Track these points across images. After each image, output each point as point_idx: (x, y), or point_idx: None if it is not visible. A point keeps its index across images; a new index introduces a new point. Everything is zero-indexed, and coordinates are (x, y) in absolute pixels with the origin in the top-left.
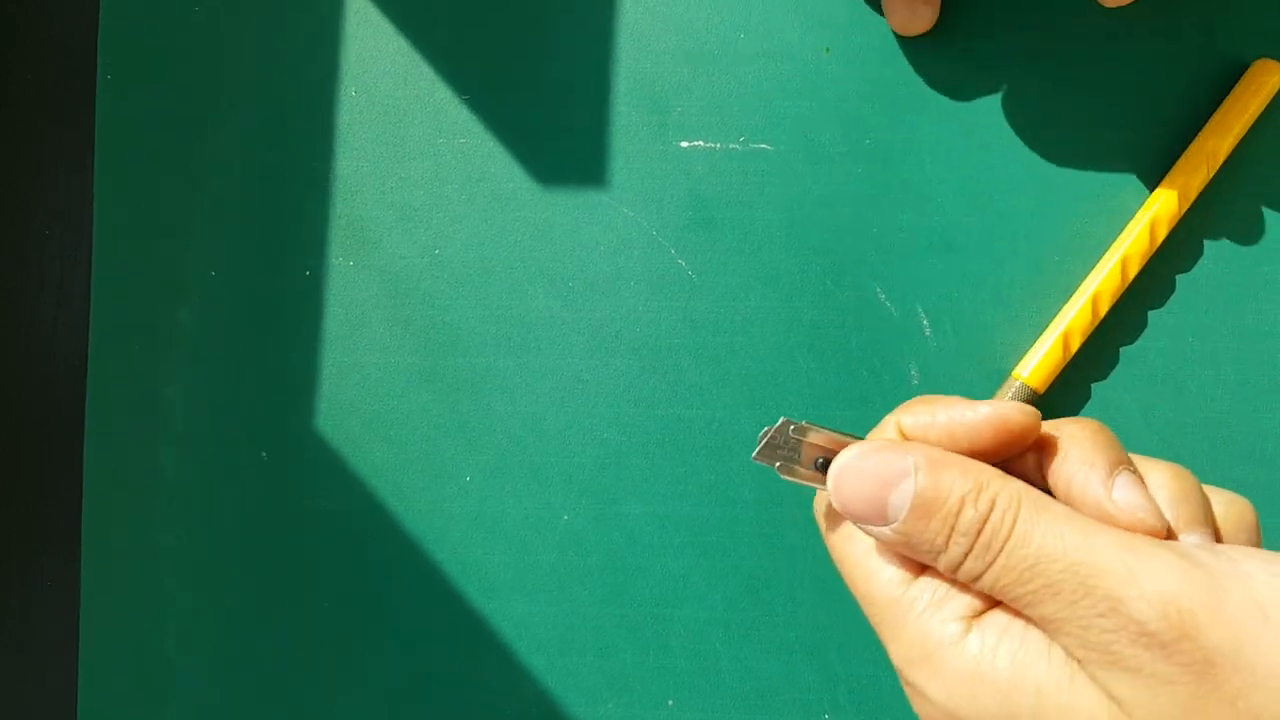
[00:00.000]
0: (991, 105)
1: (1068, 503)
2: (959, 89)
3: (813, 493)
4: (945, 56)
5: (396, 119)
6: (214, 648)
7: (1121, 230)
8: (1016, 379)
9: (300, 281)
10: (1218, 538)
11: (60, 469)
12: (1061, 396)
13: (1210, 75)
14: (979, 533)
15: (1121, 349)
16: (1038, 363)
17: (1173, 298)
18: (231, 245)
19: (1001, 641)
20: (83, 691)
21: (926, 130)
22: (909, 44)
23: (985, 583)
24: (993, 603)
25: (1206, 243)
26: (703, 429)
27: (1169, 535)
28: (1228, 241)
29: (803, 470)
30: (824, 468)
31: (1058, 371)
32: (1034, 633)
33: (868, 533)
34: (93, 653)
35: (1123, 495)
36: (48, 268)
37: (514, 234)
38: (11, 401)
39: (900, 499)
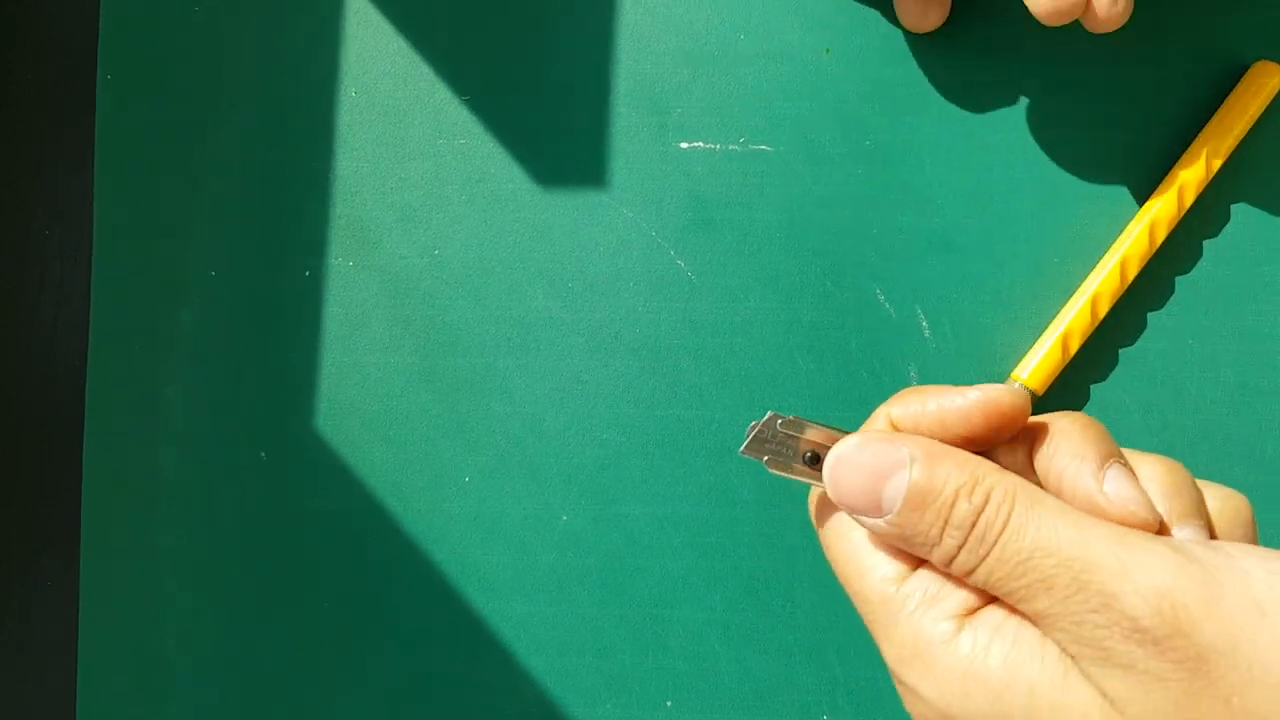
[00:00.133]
0: (991, 106)
1: (1059, 497)
2: (959, 90)
3: (806, 487)
4: (945, 58)
5: (396, 119)
6: (214, 648)
7: (1121, 232)
8: (1016, 380)
9: (300, 282)
10: (1212, 533)
11: (60, 469)
12: (1061, 398)
13: (1210, 76)
14: (973, 526)
15: (1121, 350)
16: (1037, 364)
17: (1172, 299)
18: (231, 245)
19: (994, 640)
20: (82, 691)
21: (926, 131)
22: (909, 45)
23: (979, 577)
24: (986, 600)
25: (1206, 244)
26: (702, 430)
27: (1161, 528)
28: (1227, 243)
29: (791, 464)
30: (812, 462)
31: (1057, 373)
32: (1027, 631)
33: (863, 524)
34: (92, 653)
35: (1114, 488)
36: (48, 268)
37: (514, 235)
38: (11, 401)
39: (894, 491)
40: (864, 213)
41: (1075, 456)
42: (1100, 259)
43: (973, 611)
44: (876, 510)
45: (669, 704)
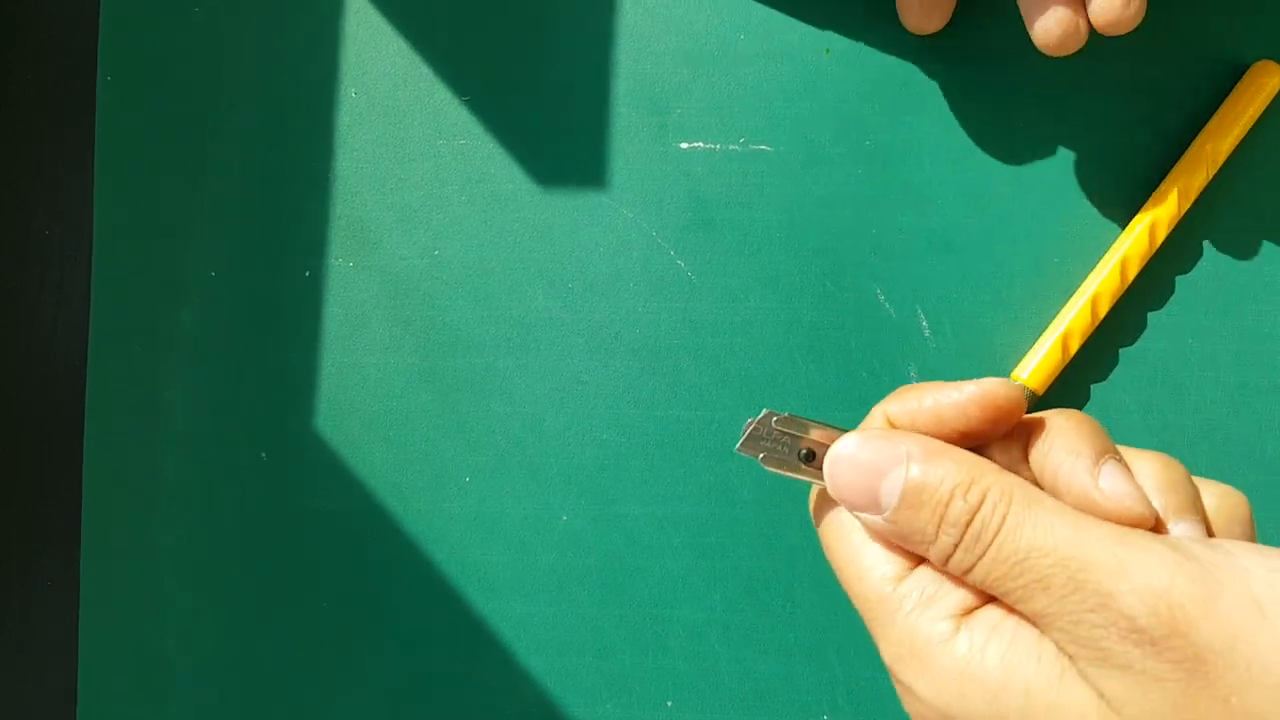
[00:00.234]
0: (991, 106)
1: (1054, 494)
2: (959, 90)
3: (808, 487)
4: (945, 58)
5: (396, 120)
6: (214, 648)
7: (1121, 231)
8: (1016, 380)
9: (300, 282)
10: (1210, 531)
11: (60, 469)
12: (1061, 398)
13: (1210, 76)
14: (968, 524)
15: (1121, 350)
16: (1037, 364)
17: (1172, 299)
18: (231, 246)
19: (990, 640)
20: (82, 691)
21: (926, 131)
22: (909, 45)
23: (976, 576)
24: (984, 600)
25: (1206, 244)
26: (702, 430)
27: (1157, 524)
28: (1227, 243)
29: (786, 461)
30: (808, 459)
31: (1057, 373)
32: (1024, 631)
33: (862, 521)
34: (92, 653)
35: (1109, 483)
36: (48, 268)
37: (513, 235)
38: (11, 401)
39: (891, 488)
40: (864, 213)
41: (1070, 453)
42: (1100, 259)
43: (970, 611)
44: (874, 507)
45: (669, 704)
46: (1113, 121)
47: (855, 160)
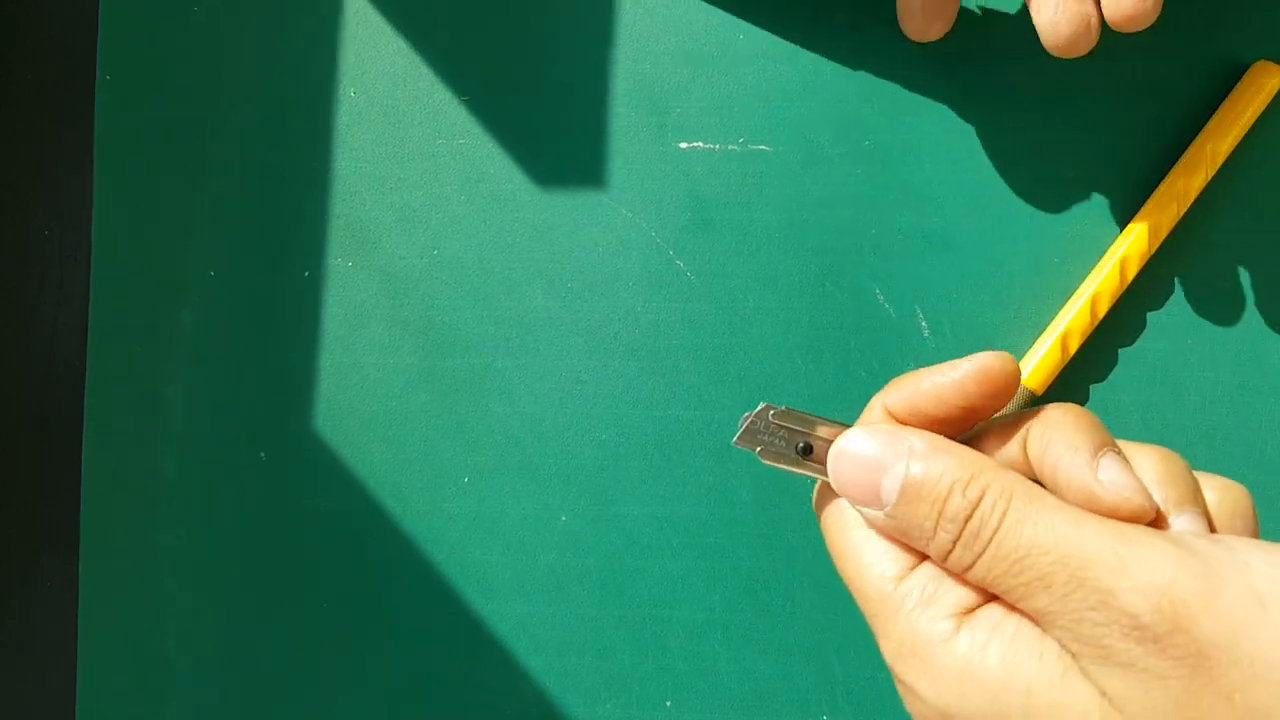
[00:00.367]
0: (990, 106)
1: (1054, 490)
2: (958, 90)
3: (806, 483)
4: (945, 58)
5: (395, 120)
6: (213, 648)
7: (1120, 231)
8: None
9: (299, 282)
10: (1211, 525)
11: (60, 469)
12: (1060, 398)
13: (1210, 77)
14: (967, 520)
15: (1120, 350)
16: (1036, 364)
17: (1171, 299)
18: (231, 245)
19: (992, 639)
20: (82, 691)
21: (925, 131)
22: (908, 45)
23: (977, 573)
24: (986, 599)
25: (1206, 244)
26: (701, 430)
27: (1158, 516)
28: (1227, 243)
29: (783, 455)
30: (805, 453)
31: (1056, 372)
32: (1026, 630)
33: (863, 515)
34: (92, 653)
35: (1109, 476)
36: (48, 268)
37: (513, 235)
38: (11, 401)
39: (892, 483)
40: (863, 213)
41: (1069, 447)
42: (1100, 259)
43: (971, 610)
44: (876, 502)
45: (668, 704)
46: (1112, 121)
47: (854, 160)
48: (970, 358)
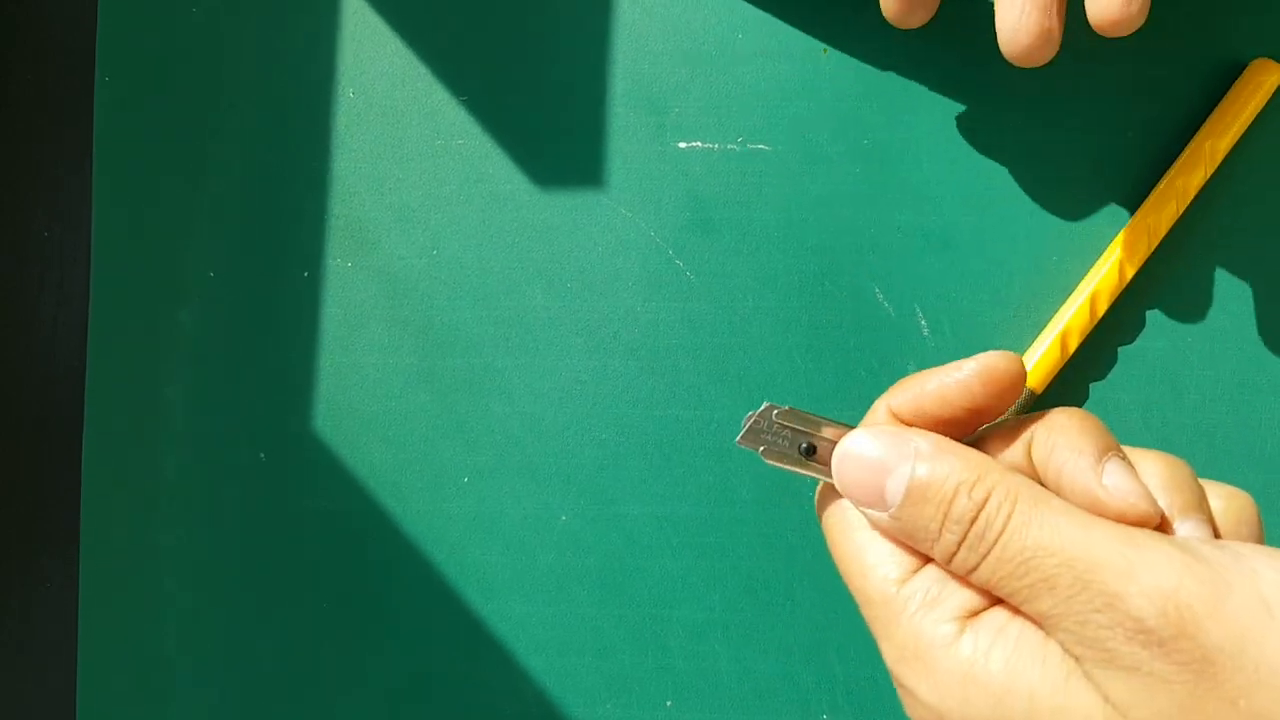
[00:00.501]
0: (989, 105)
1: (1059, 493)
2: (957, 89)
3: (806, 483)
4: (943, 56)
5: (395, 120)
6: (214, 648)
7: (1120, 230)
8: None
9: (299, 282)
10: (1216, 532)
11: (60, 469)
12: (1060, 396)
13: (1208, 75)
14: (972, 522)
15: (1120, 349)
16: (1036, 362)
17: (1171, 297)
18: (230, 246)
19: (995, 643)
20: (82, 691)
21: (924, 130)
22: (907, 44)
23: (981, 576)
24: (989, 602)
25: (1205, 242)
26: (701, 429)
27: (1163, 522)
28: (1226, 241)
29: (786, 455)
30: (808, 453)
31: (1056, 371)
32: (1029, 633)
33: (868, 517)
34: (92, 653)
35: (1113, 481)
36: (48, 268)
37: (512, 235)
38: (11, 401)
39: (897, 484)
40: (862, 212)
41: (1073, 451)
42: (1099, 257)
43: (975, 614)
44: (881, 504)
45: (669, 704)
46: (1111, 120)
47: (853, 159)
48: (975, 358)
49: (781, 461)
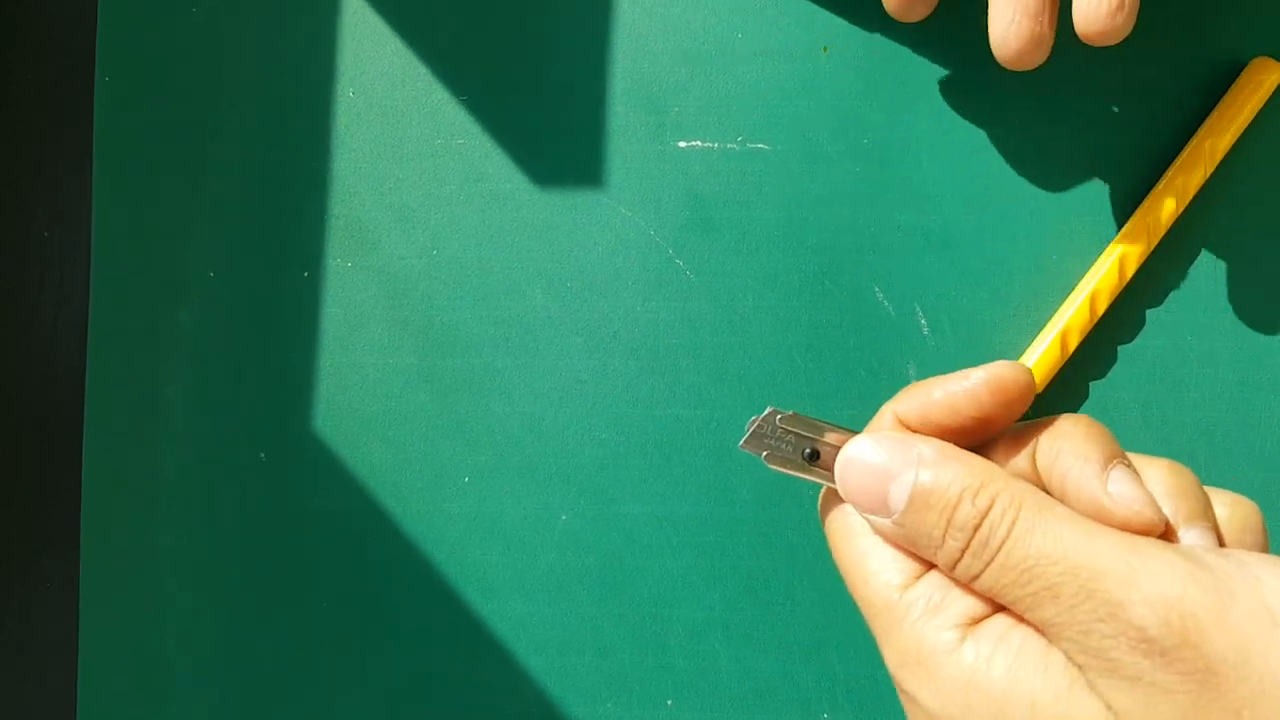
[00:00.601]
0: (990, 104)
1: (1063, 500)
2: (957, 88)
3: (807, 485)
4: (943, 55)
5: (394, 120)
6: (213, 648)
7: (1119, 229)
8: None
9: (299, 282)
10: (1221, 540)
11: (60, 469)
12: (1059, 395)
13: (1208, 73)
14: (976, 529)
15: (1119, 348)
16: (1035, 361)
17: (1171, 296)
18: (230, 246)
19: (998, 650)
20: (82, 691)
21: (924, 129)
22: (907, 43)
23: (984, 583)
24: (992, 609)
25: (1204, 241)
26: (701, 429)
27: (1168, 530)
28: (1226, 240)
29: (789, 460)
30: (812, 458)
31: (1056, 370)
32: (1032, 641)
33: (871, 523)
34: (92, 653)
35: (1118, 488)
36: (48, 268)
37: (512, 234)
38: (11, 401)
39: (900, 491)
40: (862, 211)
41: (1078, 458)
42: (1099, 256)
43: (977, 621)
44: (884, 510)
45: (669, 703)
46: (1111, 119)
47: (853, 158)
48: (984, 367)
49: (784, 467)
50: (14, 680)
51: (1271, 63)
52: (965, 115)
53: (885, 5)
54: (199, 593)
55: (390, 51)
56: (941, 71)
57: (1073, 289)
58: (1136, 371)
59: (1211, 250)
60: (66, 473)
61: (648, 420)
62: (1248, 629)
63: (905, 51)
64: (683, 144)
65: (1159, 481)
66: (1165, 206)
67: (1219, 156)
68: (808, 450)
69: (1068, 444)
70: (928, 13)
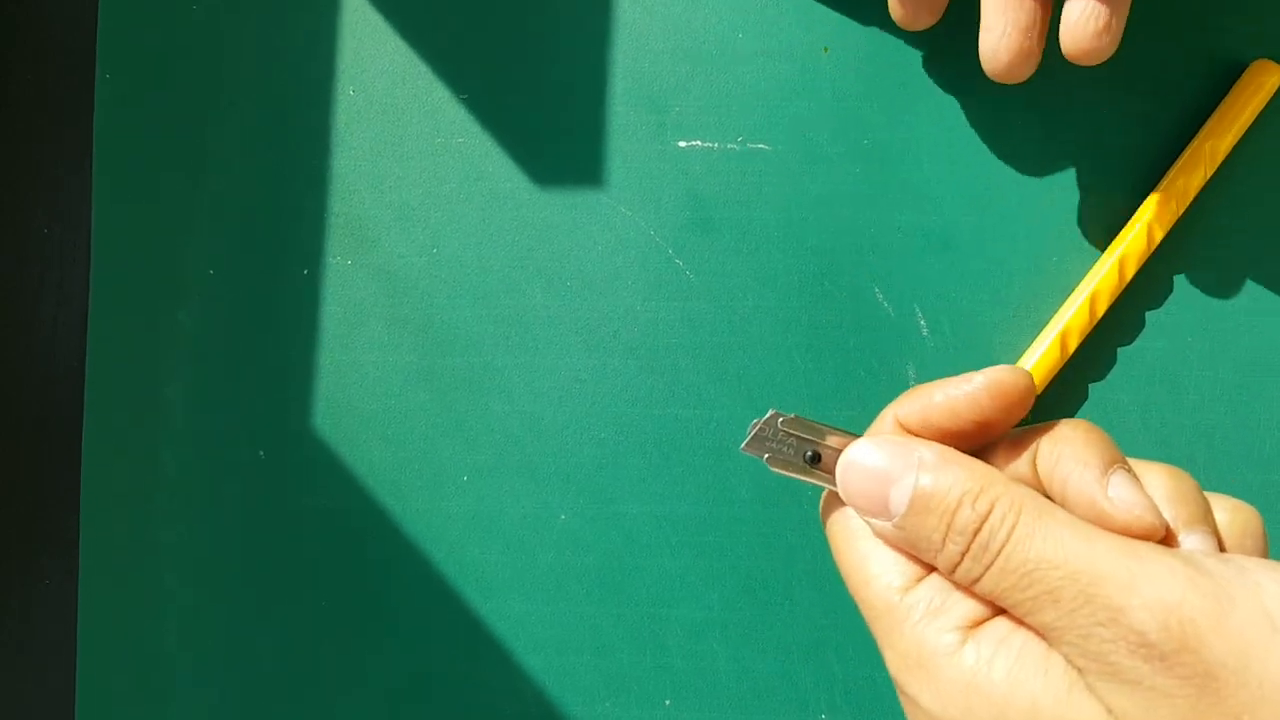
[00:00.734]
0: (989, 105)
1: (1064, 505)
2: (957, 88)
3: (806, 486)
4: (944, 56)
5: (394, 118)
6: (214, 646)
7: (1119, 230)
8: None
9: (298, 281)
10: (1221, 545)
11: (60, 469)
12: (1059, 396)
13: (1209, 75)
14: (975, 532)
15: (1119, 349)
16: (1035, 363)
17: (1170, 298)
18: (230, 245)
19: (998, 653)
20: (81, 691)
21: (925, 130)
22: (907, 43)
23: (985, 587)
24: (993, 612)
25: (1204, 243)
26: (700, 429)
27: (1168, 535)
28: (1226, 242)
29: (791, 462)
30: (813, 461)
31: (1055, 371)
32: (1032, 645)
33: (872, 526)
34: (92, 652)
35: (1119, 493)
36: (48, 268)
37: (512, 233)
38: (11, 401)
39: (901, 494)
40: (862, 211)
41: (1079, 462)
42: (1099, 257)
43: (978, 623)
44: (885, 513)
45: (667, 703)
46: (1111, 120)
47: (853, 159)
48: (985, 371)
49: (786, 469)
50: (13, 679)
51: (1272, 65)
52: (965, 116)
53: (892, 14)
54: (198, 591)
55: (390, 50)
56: (941, 72)
57: (1072, 290)
58: (1136, 373)
59: (1211, 251)
60: (66, 472)
61: (647, 420)
62: (1247, 634)
63: (905, 52)
64: (683, 144)
65: (1159, 486)
66: (1165, 208)
67: (1219, 158)
68: (809, 453)
69: (1068, 449)
70: (933, 22)
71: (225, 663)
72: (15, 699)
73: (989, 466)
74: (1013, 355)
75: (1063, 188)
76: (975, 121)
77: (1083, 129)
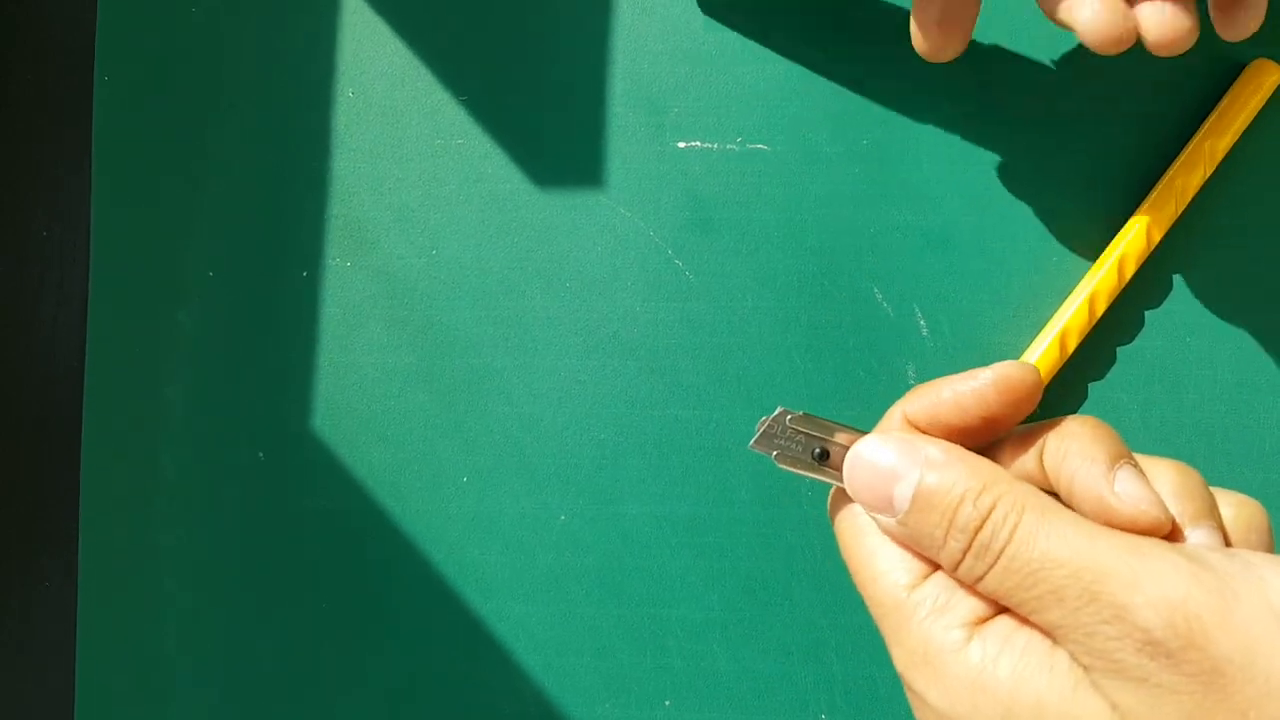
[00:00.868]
0: (988, 105)
1: (1070, 502)
2: (956, 89)
3: (805, 483)
4: None
5: (394, 120)
6: (213, 647)
7: (1119, 230)
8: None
9: (298, 282)
10: (1227, 540)
11: (60, 469)
12: (1059, 396)
13: (1207, 75)
14: (977, 530)
15: (1119, 349)
16: (1035, 363)
17: (1170, 297)
18: (229, 246)
19: (1004, 651)
20: (81, 691)
21: (923, 130)
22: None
23: (989, 585)
24: (999, 609)
25: (1204, 242)
26: (700, 429)
27: (1174, 529)
28: (1225, 241)
29: (799, 460)
30: (822, 458)
31: (1055, 371)
32: (1038, 642)
33: (877, 522)
34: (92, 653)
35: (1125, 488)
36: (48, 268)
37: (511, 234)
38: (11, 401)
39: (905, 491)
40: (861, 211)
41: (1085, 458)
42: (1098, 257)
43: (983, 621)
44: (889, 509)
45: (667, 703)
46: (1111, 120)
47: (852, 159)
48: (992, 367)
49: (795, 466)
50: (13, 680)
51: (1271, 64)
52: (965, 116)
53: (916, 48)
54: (198, 592)
55: (390, 51)
56: (941, 72)
57: (1072, 290)
58: (1136, 372)
59: (1211, 251)
60: (66, 473)
61: (646, 421)
62: (1253, 629)
63: (905, 54)
64: (682, 144)
65: (1165, 481)
66: (1165, 207)
67: (1219, 157)
68: (817, 450)
69: (1075, 444)
70: (961, 51)
71: (225, 663)
72: (15, 699)
73: (995, 465)
74: (1012, 355)
75: (1062, 187)
76: (975, 121)
77: (1082, 128)
